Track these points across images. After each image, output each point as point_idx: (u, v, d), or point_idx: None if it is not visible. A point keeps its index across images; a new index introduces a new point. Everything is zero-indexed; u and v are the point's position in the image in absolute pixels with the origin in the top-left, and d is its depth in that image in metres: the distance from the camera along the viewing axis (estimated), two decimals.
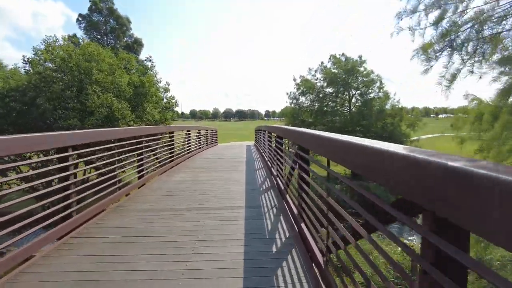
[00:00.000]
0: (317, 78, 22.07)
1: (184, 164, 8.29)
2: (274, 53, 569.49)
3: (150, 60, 18.16)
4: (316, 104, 21.33)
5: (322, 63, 21.96)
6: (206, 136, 16.67)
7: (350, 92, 21.02)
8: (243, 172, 6.71)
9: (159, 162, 7.27)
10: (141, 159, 5.67)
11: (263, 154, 9.62)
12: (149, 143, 6.40)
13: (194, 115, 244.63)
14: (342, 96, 21.39)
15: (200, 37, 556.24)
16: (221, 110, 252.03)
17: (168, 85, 21.02)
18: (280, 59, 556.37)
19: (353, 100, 21.16)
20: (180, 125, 10.13)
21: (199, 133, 13.52)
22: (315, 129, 22.10)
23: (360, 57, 20.44)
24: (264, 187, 5.20)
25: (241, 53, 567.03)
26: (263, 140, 9.64)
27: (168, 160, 7.50)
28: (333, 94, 21.31)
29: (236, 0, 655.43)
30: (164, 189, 5.21)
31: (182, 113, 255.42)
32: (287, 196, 3.79)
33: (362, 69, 20.11)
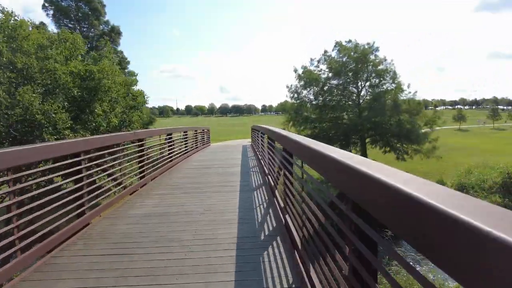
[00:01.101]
0: (321, 69, 19.75)
1: (159, 181, 6.30)
2: (272, 51, 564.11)
3: (115, 50, 15.62)
4: (320, 98, 19.06)
5: (326, 52, 19.60)
6: (196, 138, 14.42)
7: (359, 84, 18.75)
8: (236, 192, 5.08)
9: (118, 184, 5.03)
10: (82, 187, 3.42)
11: (262, 161, 7.65)
12: (99, 160, 4.14)
13: (189, 111, 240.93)
14: (350, 88, 19.10)
15: (196, 31, 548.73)
16: (217, 105, 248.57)
17: (135, 76, 18.20)
18: (278, 58, 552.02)
19: (363, 92, 18.87)
20: (156, 129, 7.87)
21: (186, 135, 11.27)
22: (319, 126, 19.97)
23: (370, 43, 18.05)
24: (269, 230, 3.30)
25: (237, 48, 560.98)
26: (261, 144, 7.93)
27: (138, 176, 5.76)
28: (340, 87, 19.00)
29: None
30: (110, 236, 3.21)
31: (178, 109, 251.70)
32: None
33: (373, 57, 17.76)
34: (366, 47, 17.71)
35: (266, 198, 4.68)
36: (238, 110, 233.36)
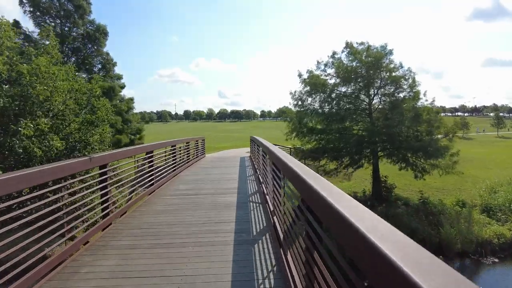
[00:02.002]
0: (328, 74, 17.78)
1: (127, 223, 4.65)
2: (272, 59, 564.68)
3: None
4: (327, 106, 17.04)
5: (334, 53, 17.61)
6: (188, 151, 12.55)
7: (371, 92, 16.75)
8: (230, 246, 3.53)
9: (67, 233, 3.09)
10: None
11: (263, 186, 6.48)
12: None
13: (188, 116, 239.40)
14: (361, 97, 17.06)
15: (195, 37, 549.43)
16: (216, 110, 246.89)
17: (121, 79, 16.49)
18: (279, 64, 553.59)
19: (375, 101, 16.83)
20: (128, 149, 5.85)
21: (173, 151, 9.68)
22: (326, 138, 17.86)
23: (384, 46, 16.03)
24: None
25: (237, 54, 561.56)
26: (263, 164, 6.56)
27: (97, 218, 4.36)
28: (350, 94, 16.95)
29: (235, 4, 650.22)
30: None
31: (176, 114, 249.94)
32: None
33: (387, 61, 15.73)
34: (380, 49, 15.67)
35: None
36: (237, 116, 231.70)
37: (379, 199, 18.29)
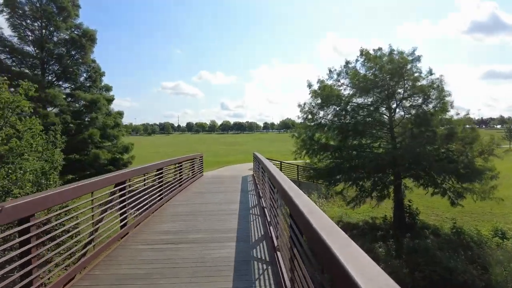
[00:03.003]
0: (342, 83, 15.73)
1: None
2: (274, 76, 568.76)
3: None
4: (341, 120, 14.88)
5: (347, 62, 15.60)
6: (180, 173, 10.41)
7: (393, 104, 14.58)
8: None
9: None
10: None
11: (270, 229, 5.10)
12: None
13: (190, 128, 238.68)
14: (381, 109, 14.88)
15: (198, 50, 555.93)
16: (219, 122, 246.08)
17: (110, 90, 14.71)
18: (282, 78, 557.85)
19: (398, 113, 14.58)
20: (79, 185, 3.70)
21: (160, 175, 7.78)
22: (340, 155, 15.50)
23: (412, 51, 13.84)
24: None
25: (240, 67, 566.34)
26: (271, 196, 4.95)
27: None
28: (370, 107, 14.74)
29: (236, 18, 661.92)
30: None
31: (179, 126, 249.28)
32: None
33: (413, 68, 13.55)
34: (405, 55, 13.52)
35: None
36: (240, 128, 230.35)
37: (402, 227, 15.84)
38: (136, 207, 5.90)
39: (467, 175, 12.71)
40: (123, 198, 5.10)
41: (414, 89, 13.03)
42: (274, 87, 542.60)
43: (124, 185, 5.21)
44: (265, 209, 6.11)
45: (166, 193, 8.12)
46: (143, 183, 6.98)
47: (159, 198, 7.58)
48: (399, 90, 13.84)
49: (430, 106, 13.05)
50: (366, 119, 14.44)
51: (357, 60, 15.68)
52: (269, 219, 5.19)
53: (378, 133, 15.30)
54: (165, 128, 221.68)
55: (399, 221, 15.96)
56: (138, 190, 6.27)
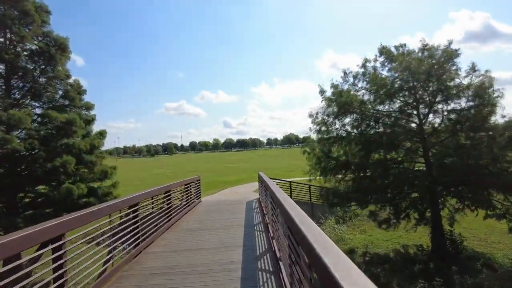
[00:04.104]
0: (360, 87, 13.35)
1: None
2: (275, 93, 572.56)
3: None
4: (363, 131, 12.39)
5: (366, 61, 13.29)
6: (168, 204, 7.94)
7: (423, 110, 12.07)
8: None
9: None
10: None
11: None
12: None
13: (194, 147, 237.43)
14: (412, 115, 12.35)
15: (198, 71, 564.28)
16: (222, 140, 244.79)
17: (92, 109, 12.72)
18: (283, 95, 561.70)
19: (437, 120, 11.91)
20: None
21: (135, 212, 5.66)
22: (364, 175, 12.44)
23: (448, 44, 11.40)
24: None
25: (240, 83, 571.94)
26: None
27: None
28: (398, 114, 12.21)
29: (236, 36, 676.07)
30: None
31: (182, 145, 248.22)
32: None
33: (453, 66, 11.09)
34: (449, 49, 11.04)
35: None
36: (243, 145, 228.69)
37: (444, 257, 12.97)
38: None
39: None
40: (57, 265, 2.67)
41: (456, 89, 10.55)
42: (275, 104, 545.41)
43: (58, 245, 2.82)
44: (281, 261, 3.82)
45: (144, 236, 5.73)
46: (108, 227, 4.58)
47: (134, 244, 5.25)
48: (433, 92, 11.37)
49: (477, 109, 10.50)
50: (394, 129, 11.89)
51: (375, 60, 13.39)
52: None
53: (407, 145, 12.74)
54: (168, 149, 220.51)
55: (439, 250, 13.07)
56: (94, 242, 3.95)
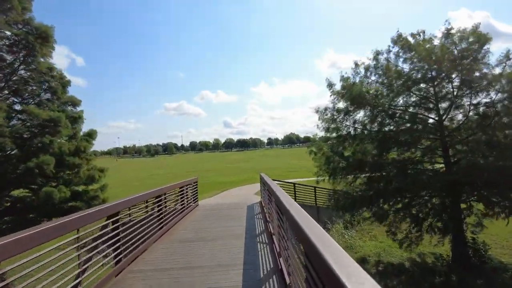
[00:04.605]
0: (372, 80, 12.14)
1: None
2: (276, 93, 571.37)
3: None
4: (379, 128, 11.17)
5: (377, 53, 12.04)
6: (159, 211, 6.75)
7: (442, 103, 10.79)
8: None
9: None
10: None
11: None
12: None
13: (194, 147, 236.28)
14: (431, 110, 11.10)
15: (198, 71, 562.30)
16: (222, 140, 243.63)
17: (79, 105, 11.64)
18: (284, 93, 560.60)
19: (460, 116, 10.63)
20: None
21: (115, 224, 4.40)
22: (379, 176, 11.02)
23: (475, 28, 10.14)
24: None
25: (240, 83, 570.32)
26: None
27: None
28: (416, 108, 10.94)
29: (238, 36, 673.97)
30: None
31: (182, 145, 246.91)
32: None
33: (485, 53, 9.75)
34: (478, 32, 9.73)
35: None
36: (244, 145, 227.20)
37: (466, 267, 11.73)
38: None
39: None
40: None
41: (486, 79, 9.30)
42: (275, 104, 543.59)
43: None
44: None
45: (130, 248, 4.62)
46: (75, 245, 3.38)
47: (115, 261, 4.15)
48: (460, 83, 10.11)
49: (510, 101, 9.23)
50: (412, 126, 10.63)
51: (388, 51, 12.14)
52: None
53: (426, 143, 11.50)
54: (168, 149, 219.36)
55: (461, 259, 11.84)
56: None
